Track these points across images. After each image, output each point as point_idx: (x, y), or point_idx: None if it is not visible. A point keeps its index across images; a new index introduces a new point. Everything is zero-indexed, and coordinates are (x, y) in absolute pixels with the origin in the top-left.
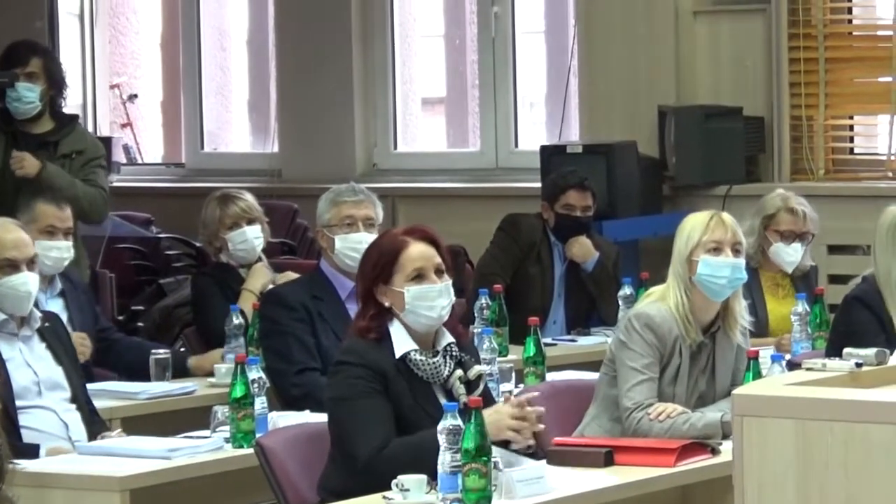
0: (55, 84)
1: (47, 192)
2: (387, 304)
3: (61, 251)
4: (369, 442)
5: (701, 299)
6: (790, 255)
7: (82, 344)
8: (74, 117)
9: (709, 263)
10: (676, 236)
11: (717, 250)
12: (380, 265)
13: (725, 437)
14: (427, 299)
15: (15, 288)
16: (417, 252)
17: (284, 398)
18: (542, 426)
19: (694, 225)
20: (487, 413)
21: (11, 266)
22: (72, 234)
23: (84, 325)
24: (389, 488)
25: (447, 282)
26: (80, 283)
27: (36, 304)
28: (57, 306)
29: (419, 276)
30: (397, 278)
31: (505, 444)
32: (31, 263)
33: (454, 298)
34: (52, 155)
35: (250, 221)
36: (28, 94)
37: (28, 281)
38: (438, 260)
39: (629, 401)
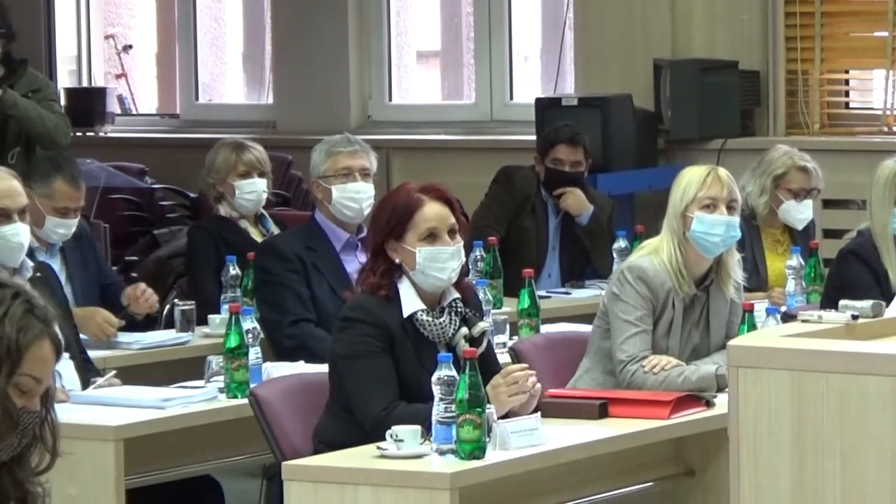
0: (7, 32)
1: (64, 165)
2: (397, 260)
3: (69, 229)
4: (378, 402)
5: (694, 254)
6: (802, 212)
7: (106, 321)
8: (24, 61)
9: (703, 220)
10: (672, 189)
11: (711, 207)
12: (393, 221)
13: (720, 389)
14: (438, 261)
15: (6, 238)
16: (433, 212)
17: (278, 349)
18: (538, 385)
19: (690, 180)
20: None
21: (3, 215)
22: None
23: (84, 280)
24: (384, 439)
25: (459, 243)
26: (86, 234)
27: (32, 255)
28: (55, 264)
29: (432, 236)
30: (410, 236)
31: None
32: (22, 213)
33: (464, 259)
34: None
35: (261, 174)
36: None
37: (20, 232)
38: (452, 220)
39: (623, 353)
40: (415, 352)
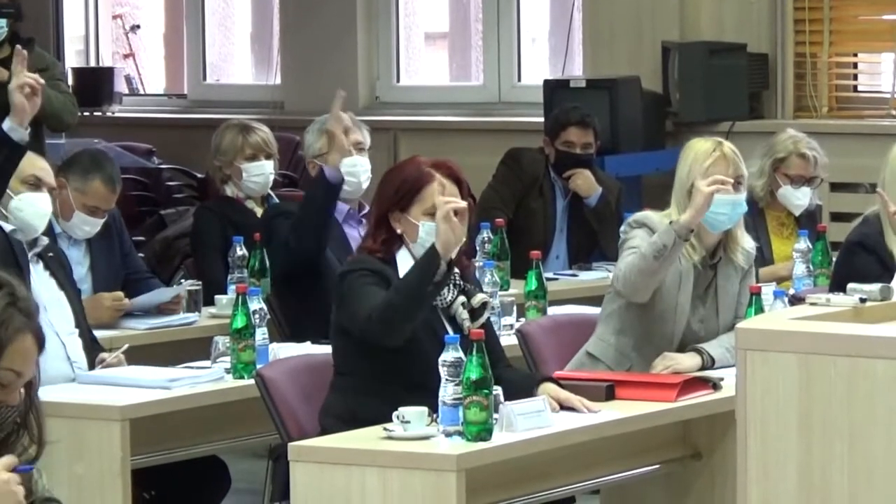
0: (14, 11)
1: (105, 165)
2: (399, 231)
3: (94, 227)
4: (369, 305)
5: (701, 228)
6: (798, 198)
7: (113, 299)
8: (31, 40)
9: None
10: (679, 163)
11: None
12: (401, 192)
13: (676, 244)
14: None
15: (34, 205)
16: (441, 188)
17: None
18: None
19: (696, 156)
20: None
21: (35, 185)
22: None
23: (107, 271)
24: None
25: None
26: (114, 223)
27: (56, 243)
28: (79, 252)
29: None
30: (415, 209)
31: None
32: (50, 192)
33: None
34: None
35: (268, 156)
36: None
37: (48, 201)
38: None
39: (619, 270)
40: None
